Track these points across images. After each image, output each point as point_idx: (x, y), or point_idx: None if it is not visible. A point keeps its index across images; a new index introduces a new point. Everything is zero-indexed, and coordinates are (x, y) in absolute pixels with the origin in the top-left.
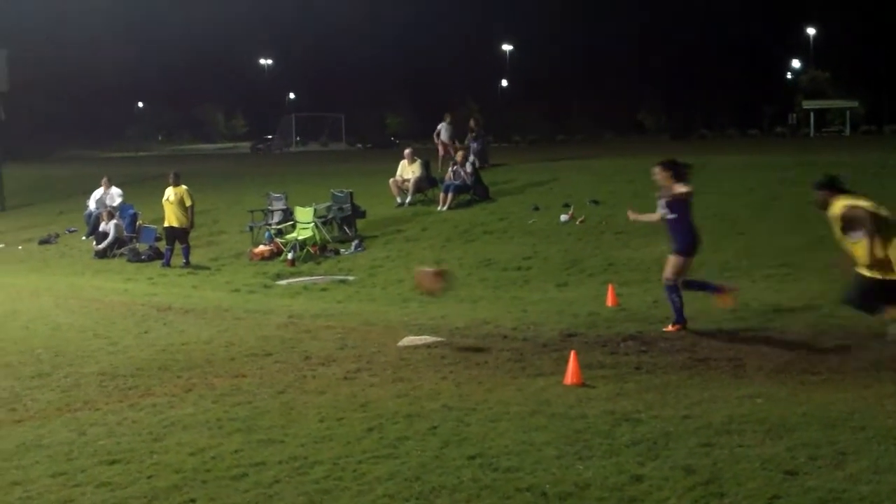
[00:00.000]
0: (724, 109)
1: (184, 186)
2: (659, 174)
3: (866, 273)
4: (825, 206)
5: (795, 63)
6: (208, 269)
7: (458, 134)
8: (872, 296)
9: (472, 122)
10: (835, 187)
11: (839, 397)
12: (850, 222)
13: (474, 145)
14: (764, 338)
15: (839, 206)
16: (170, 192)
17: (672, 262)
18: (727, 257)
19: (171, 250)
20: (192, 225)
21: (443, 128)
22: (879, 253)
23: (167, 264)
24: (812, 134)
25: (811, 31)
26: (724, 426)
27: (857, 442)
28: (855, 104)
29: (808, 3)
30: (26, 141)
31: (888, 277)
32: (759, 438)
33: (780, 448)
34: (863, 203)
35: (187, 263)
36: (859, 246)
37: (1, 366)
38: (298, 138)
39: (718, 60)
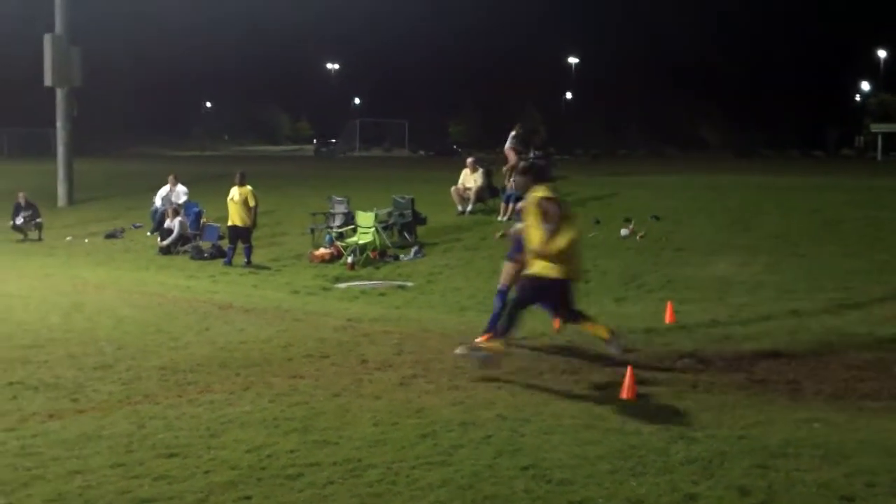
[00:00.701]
0: (789, 129)
1: (249, 187)
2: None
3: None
4: (525, 190)
5: (865, 85)
6: (269, 269)
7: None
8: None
9: (535, 137)
10: (537, 175)
11: None
12: (545, 214)
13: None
14: (823, 361)
15: (537, 195)
16: (235, 192)
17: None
18: (786, 279)
19: (234, 249)
20: (255, 225)
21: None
22: (552, 248)
23: (229, 262)
24: (879, 157)
25: (882, 53)
26: (780, 449)
27: None
28: None
29: (879, 25)
30: (97, 137)
31: (542, 274)
32: (816, 463)
33: (836, 474)
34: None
35: (249, 263)
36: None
37: (65, 356)
38: (362, 143)
39: (785, 80)
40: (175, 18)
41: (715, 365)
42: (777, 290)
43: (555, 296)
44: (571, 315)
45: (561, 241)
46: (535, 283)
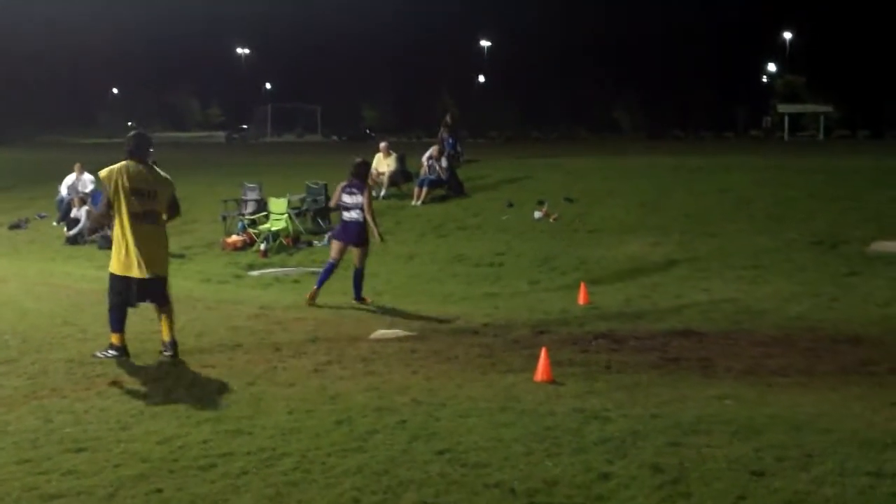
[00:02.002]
0: (699, 111)
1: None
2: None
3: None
4: None
5: (771, 67)
6: (180, 257)
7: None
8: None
9: (447, 118)
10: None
11: (806, 400)
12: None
13: (450, 141)
14: (734, 339)
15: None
16: None
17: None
18: (698, 258)
19: None
20: None
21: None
22: None
23: None
24: (786, 138)
25: (787, 35)
26: (692, 426)
27: (824, 444)
28: (829, 109)
29: (784, 7)
30: None
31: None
32: (727, 439)
33: (747, 449)
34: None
35: None
36: None
37: None
38: (274, 129)
39: (694, 62)
40: (80, 3)
41: (628, 344)
42: (689, 269)
43: None
44: None
45: None
46: None
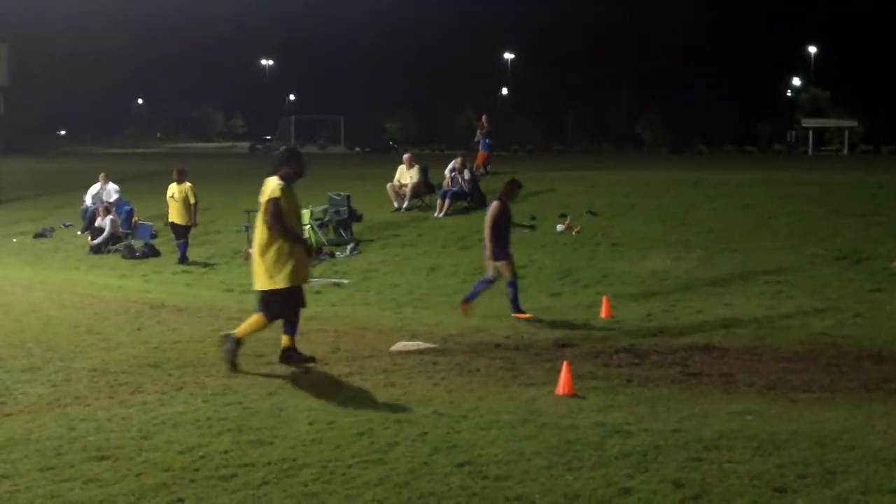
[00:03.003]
0: (722, 125)
1: (188, 183)
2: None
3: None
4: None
5: (796, 81)
6: (203, 267)
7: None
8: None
9: (483, 119)
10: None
11: (829, 416)
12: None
13: (486, 141)
14: (756, 354)
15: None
16: (174, 189)
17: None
18: (720, 273)
19: (179, 244)
20: (194, 222)
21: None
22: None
23: (183, 260)
24: (810, 152)
25: (812, 49)
26: (713, 441)
27: (847, 461)
28: (854, 124)
29: (810, 21)
30: (25, 135)
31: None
32: (749, 455)
33: (769, 465)
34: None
35: (183, 260)
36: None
37: None
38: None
39: (718, 76)
40: (107, 15)
41: (650, 359)
42: (711, 284)
43: None
44: None
45: None
46: None
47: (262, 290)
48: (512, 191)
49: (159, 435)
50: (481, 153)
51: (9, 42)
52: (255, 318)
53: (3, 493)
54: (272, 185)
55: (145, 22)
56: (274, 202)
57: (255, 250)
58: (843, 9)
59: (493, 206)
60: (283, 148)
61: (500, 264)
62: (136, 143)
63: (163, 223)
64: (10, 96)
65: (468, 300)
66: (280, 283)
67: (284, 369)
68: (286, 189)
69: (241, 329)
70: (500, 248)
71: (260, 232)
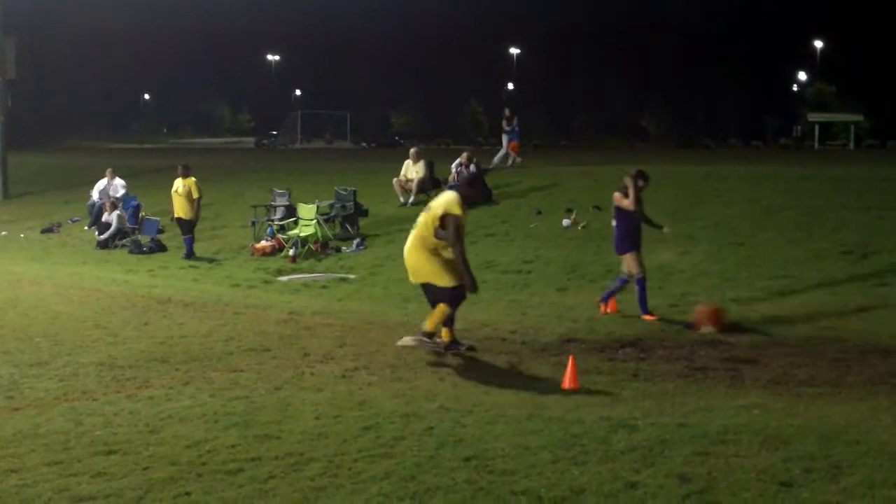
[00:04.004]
0: (729, 120)
1: (192, 178)
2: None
3: None
4: None
5: (802, 75)
6: (209, 262)
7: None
8: None
9: (507, 111)
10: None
11: (835, 410)
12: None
13: (517, 130)
14: (762, 348)
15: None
16: (178, 184)
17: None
18: (727, 267)
19: (185, 239)
20: (198, 217)
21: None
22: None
23: (190, 255)
24: (816, 147)
25: (818, 44)
26: (719, 436)
27: (853, 455)
28: (860, 118)
29: (815, 15)
30: (32, 130)
31: None
32: (755, 449)
33: (775, 459)
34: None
35: (190, 255)
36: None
37: (0, 353)
38: (303, 135)
39: (724, 70)
40: (112, 10)
41: (656, 353)
42: (717, 278)
43: None
44: None
45: None
46: None
47: (440, 286)
48: (636, 183)
49: (166, 429)
50: (514, 143)
51: (17, 37)
52: (440, 308)
53: (11, 487)
54: (453, 200)
55: (153, 17)
56: (458, 219)
57: (417, 247)
58: (849, 3)
59: (614, 196)
60: (471, 172)
61: (625, 257)
62: (143, 139)
63: (169, 219)
64: (18, 91)
65: (605, 299)
66: (454, 281)
67: (290, 365)
68: (465, 208)
69: (430, 322)
70: (622, 240)
71: (427, 233)
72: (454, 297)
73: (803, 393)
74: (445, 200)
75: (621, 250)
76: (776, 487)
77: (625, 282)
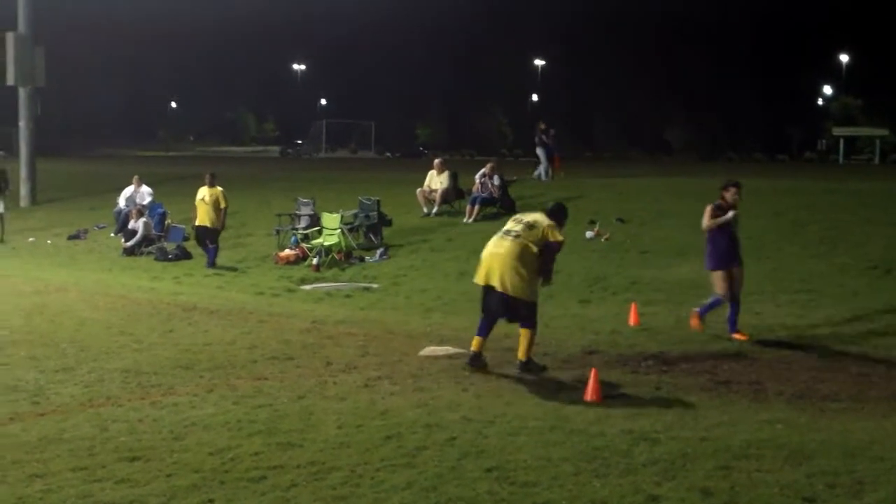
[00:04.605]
0: (753, 133)
1: (219, 188)
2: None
3: None
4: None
5: (827, 89)
6: (234, 270)
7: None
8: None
9: (542, 124)
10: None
11: (859, 426)
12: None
13: (548, 141)
14: (786, 363)
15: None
16: (205, 193)
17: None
18: (749, 281)
19: (215, 249)
20: (223, 227)
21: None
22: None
23: (212, 264)
24: (841, 161)
25: (844, 57)
26: (742, 450)
27: (876, 472)
28: (886, 133)
29: (842, 29)
30: (60, 137)
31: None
32: (778, 464)
33: (798, 475)
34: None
35: (213, 264)
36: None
37: (26, 358)
38: (328, 144)
39: (749, 84)
40: (141, 19)
41: (678, 366)
42: (742, 291)
43: None
44: None
45: None
46: None
47: (527, 301)
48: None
49: (190, 436)
50: (556, 157)
51: (46, 45)
52: (525, 334)
53: (36, 492)
54: (552, 226)
55: (180, 26)
56: (561, 245)
57: (516, 258)
58: (876, 17)
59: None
60: (557, 204)
61: (713, 275)
62: (170, 147)
63: (191, 227)
64: (46, 98)
65: (702, 314)
66: (535, 297)
67: (313, 374)
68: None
69: (522, 350)
70: (711, 256)
71: (530, 250)
72: (535, 312)
73: (827, 408)
74: (545, 224)
75: (708, 266)
76: (799, 503)
77: (718, 301)
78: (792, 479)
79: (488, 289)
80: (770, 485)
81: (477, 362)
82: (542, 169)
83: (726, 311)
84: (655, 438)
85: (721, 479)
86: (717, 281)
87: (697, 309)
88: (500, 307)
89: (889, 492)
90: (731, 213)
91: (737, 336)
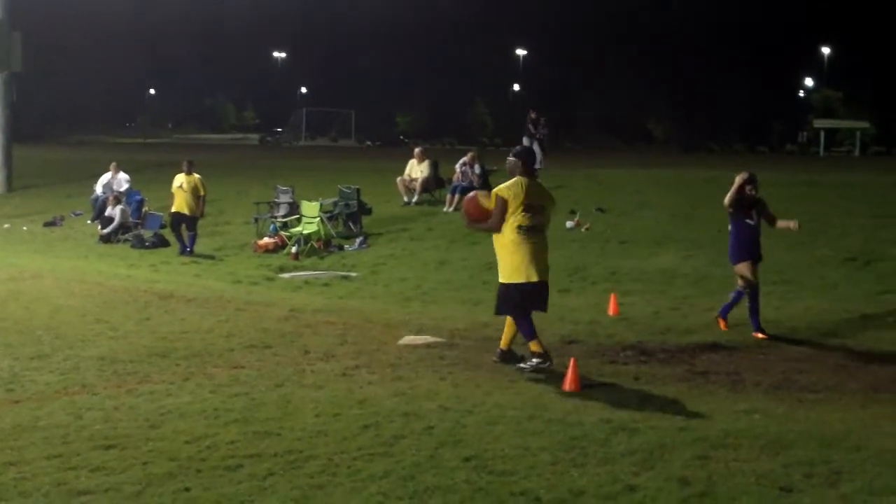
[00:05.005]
0: (734, 124)
1: (197, 175)
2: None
3: None
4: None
5: (808, 81)
6: (212, 258)
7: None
8: None
9: (533, 113)
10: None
11: (836, 416)
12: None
13: (539, 131)
14: (763, 354)
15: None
16: (182, 180)
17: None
18: (728, 272)
19: (194, 236)
20: (202, 214)
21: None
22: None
23: (190, 251)
24: (822, 153)
25: (825, 50)
26: (720, 440)
27: (853, 462)
28: (866, 125)
29: (823, 21)
30: (37, 123)
31: None
32: (755, 454)
33: (775, 464)
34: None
35: (191, 251)
36: None
37: (0, 345)
38: (308, 133)
39: (730, 75)
40: (118, 4)
41: (657, 357)
42: (720, 282)
43: None
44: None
45: None
46: None
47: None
48: (741, 183)
49: (166, 425)
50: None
51: (22, 30)
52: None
53: (10, 480)
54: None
55: (158, 12)
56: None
57: (544, 243)
58: (857, 10)
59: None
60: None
61: (736, 267)
62: (148, 134)
63: (167, 214)
64: (23, 84)
65: (723, 314)
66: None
67: (291, 362)
68: (522, 184)
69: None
70: (733, 248)
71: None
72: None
73: (804, 398)
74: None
75: (733, 259)
76: (776, 492)
77: (741, 294)
78: (769, 469)
79: (543, 284)
80: (747, 474)
81: (549, 359)
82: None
83: (727, 301)
84: (634, 428)
85: (699, 468)
86: (744, 272)
87: (719, 312)
88: (541, 298)
89: (865, 481)
90: (793, 224)
91: (758, 335)
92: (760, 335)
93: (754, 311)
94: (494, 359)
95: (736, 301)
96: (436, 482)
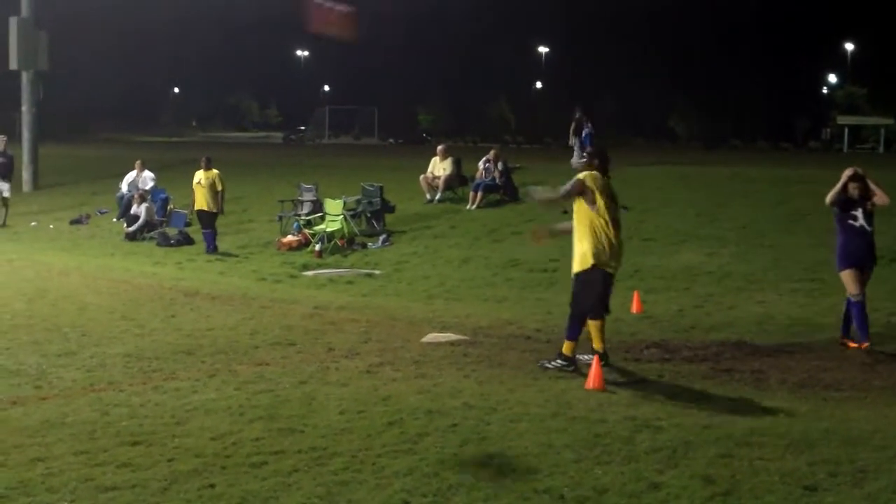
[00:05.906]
0: (757, 121)
1: (215, 171)
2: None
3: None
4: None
5: (832, 78)
6: (236, 256)
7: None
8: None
9: (578, 113)
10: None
11: (861, 415)
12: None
13: (587, 132)
14: (788, 352)
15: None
16: (201, 176)
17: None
18: (753, 269)
19: (213, 233)
20: (221, 210)
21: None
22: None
23: (214, 250)
24: (845, 150)
25: (849, 46)
26: (744, 438)
27: (878, 461)
28: (890, 121)
29: (847, 17)
30: (63, 121)
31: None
32: (780, 452)
33: (800, 463)
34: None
35: (215, 248)
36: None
37: (28, 343)
38: (331, 131)
39: (753, 72)
40: (144, 4)
41: (681, 354)
42: (744, 280)
43: None
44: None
45: None
46: None
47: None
48: (847, 183)
49: (192, 421)
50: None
51: (49, 30)
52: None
53: (38, 476)
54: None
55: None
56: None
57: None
58: (881, 5)
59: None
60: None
61: (841, 276)
62: (172, 132)
63: (189, 212)
64: (49, 83)
65: (845, 334)
66: None
67: (315, 359)
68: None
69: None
70: (838, 252)
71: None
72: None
73: (829, 396)
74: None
75: (837, 266)
76: (800, 491)
77: (850, 303)
78: (793, 468)
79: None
80: (771, 473)
81: (575, 368)
82: (575, 158)
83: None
84: (658, 426)
85: (723, 466)
86: (847, 281)
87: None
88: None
89: (890, 480)
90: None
91: (846, 342)
92: (848, 343)
93: (849, 318)
94: (604, 363)
95: (851, 313)
96: (460, 479)
